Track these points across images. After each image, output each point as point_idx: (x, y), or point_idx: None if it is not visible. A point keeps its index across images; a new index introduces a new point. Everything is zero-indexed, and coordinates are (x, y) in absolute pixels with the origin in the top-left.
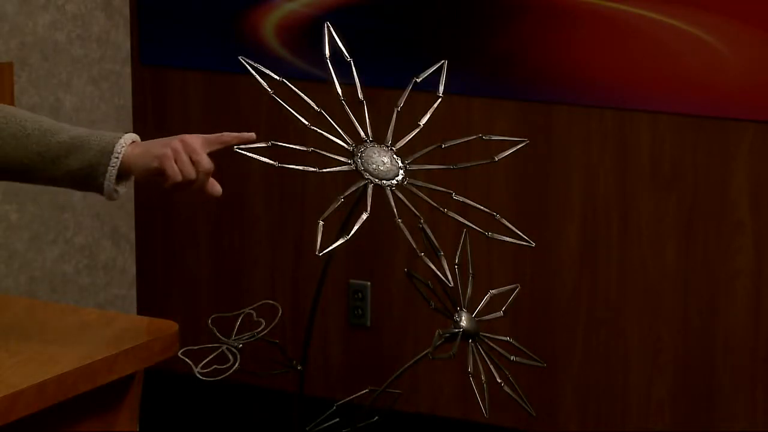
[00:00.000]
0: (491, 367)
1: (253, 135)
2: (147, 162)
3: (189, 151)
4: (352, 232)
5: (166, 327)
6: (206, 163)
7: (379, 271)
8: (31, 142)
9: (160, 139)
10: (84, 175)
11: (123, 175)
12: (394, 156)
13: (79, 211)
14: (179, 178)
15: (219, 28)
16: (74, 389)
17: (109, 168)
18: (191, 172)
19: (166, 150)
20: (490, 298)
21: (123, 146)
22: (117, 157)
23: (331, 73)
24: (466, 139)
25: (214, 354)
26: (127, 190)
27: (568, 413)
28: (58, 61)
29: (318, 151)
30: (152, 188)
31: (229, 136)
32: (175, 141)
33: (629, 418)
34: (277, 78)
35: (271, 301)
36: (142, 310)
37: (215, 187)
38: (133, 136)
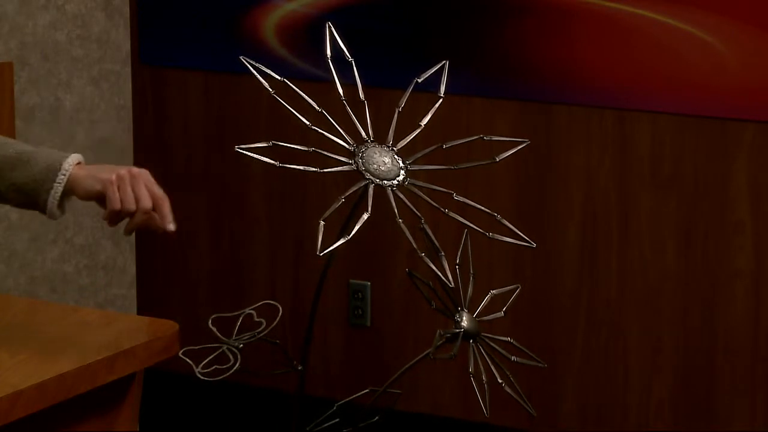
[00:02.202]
0: (492, 367)
1: (173, 228)
2: (91, 184)
3: (133, 183)
4: (353, 233)
5: (166, 327)
6: (145, 199)
7: (379, 271)
8: None
9: (109, 165)
10: (29, 190)
11: (66, 194)
12: (395, 156)
13: (79, 211)
14: (117, 206)
15: (219, 28)
16: (74, 389)
17: (55, 185)
18: (131, 204)
19: (111, 176)
20: (491, 298)
21: (70, 164)
22: (64, 174)
23: (332, 73)
24: (467, 140)
25: (215, 354)
26: (65, 214)
27: (568, 413)
28: (58, 61)
29: (319, 151)
30: None
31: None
32: (123, 170)
33: (629, 418)
34: (278, 78)
35: (271, 302)
36: (142, 310)
37: (167, 222)
38: (78, 157)
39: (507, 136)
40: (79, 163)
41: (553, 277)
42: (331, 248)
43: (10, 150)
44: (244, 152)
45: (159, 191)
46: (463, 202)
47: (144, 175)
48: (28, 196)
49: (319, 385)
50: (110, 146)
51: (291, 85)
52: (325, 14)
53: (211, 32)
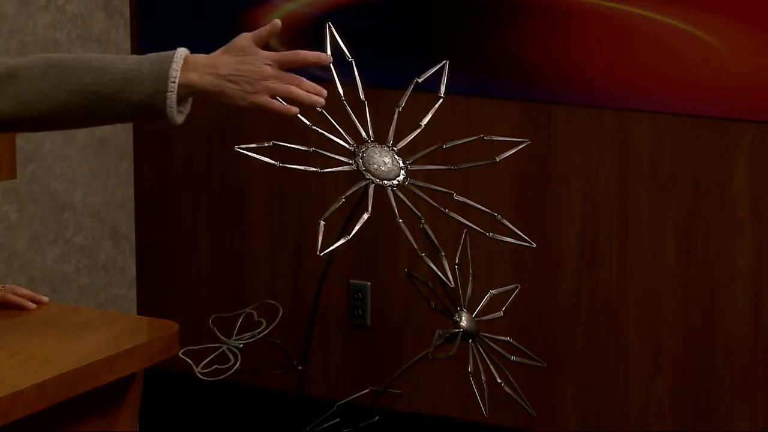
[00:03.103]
0: (491, 367)
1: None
2: (235, 103)
3: (284, 90)
4: (353, 233)
5: (166, 327)
6: (296, 89)
7: (379, 271)
8: (85, 83)
9: (223, 67)
10: (145, 106)
11: (183, 98)
12: (396, 156)
13: (79, 211)
14: (294, 111)
15: (219, 28)
16: (74, 389)
17: (168, 94)
18: (292, 98)
19: (257, 98)
20: (491, 298)
21: (176, 70)
22: (173, 82)
23: (332, 73)
24: (467, 140)
25: (215, 354)
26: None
27: (568, 413)
28: None
29: (319, 151)
30: (152, 188)
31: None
32: (248, 83)
33: (629, 418)
34: None
35: (271, 301)
36: (142, 310)
37: (312, 98)
38: (182, 56)
39: (507, 136)
40: (185, 62)
41: (553, 277)
42: (331, 248)
43: (114, 71)
44: (244, 152)
45: (283, 61)
46: (464, 202)
47: (269, 66)
48: (145, 111)
49: (319, 385)
50: (110, 146)
51: None
52: (325, 14)
53: (211, 32)
